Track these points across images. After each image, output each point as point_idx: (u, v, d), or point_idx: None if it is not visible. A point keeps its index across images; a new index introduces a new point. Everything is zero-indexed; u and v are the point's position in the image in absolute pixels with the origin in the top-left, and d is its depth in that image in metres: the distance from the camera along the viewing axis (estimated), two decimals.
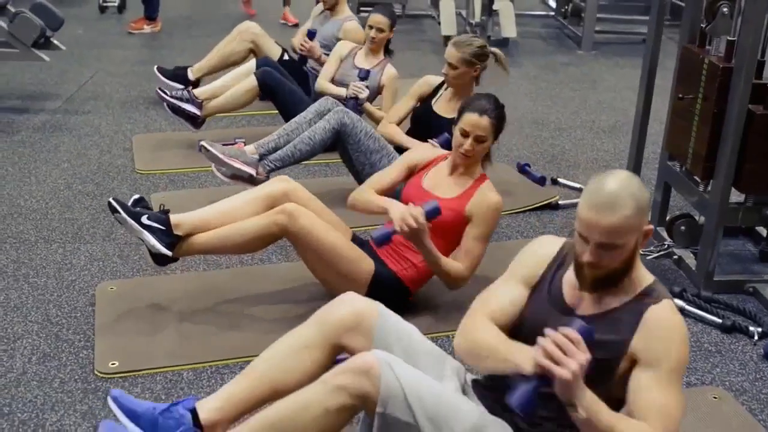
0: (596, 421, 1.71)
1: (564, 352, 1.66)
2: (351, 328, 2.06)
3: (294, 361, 2.07)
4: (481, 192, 2.86)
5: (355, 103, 4.07)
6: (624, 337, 1.83)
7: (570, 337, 1.68)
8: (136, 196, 2.90)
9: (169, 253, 2.79)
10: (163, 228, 2.78)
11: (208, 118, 4.50)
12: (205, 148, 3.58)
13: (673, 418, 1.78)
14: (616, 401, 1.82)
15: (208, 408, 2.05)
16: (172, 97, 4.35)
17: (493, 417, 1.94)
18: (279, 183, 2.95)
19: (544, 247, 2.03)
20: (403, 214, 2.66)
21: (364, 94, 4.11)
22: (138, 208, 2.82)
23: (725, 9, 3.07)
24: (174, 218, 2.81)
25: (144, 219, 2.77)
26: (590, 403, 1.71)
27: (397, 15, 4.40)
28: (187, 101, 4.38)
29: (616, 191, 1.76)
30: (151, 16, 7.01)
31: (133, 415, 2.05)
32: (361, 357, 1.89)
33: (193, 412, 2.04)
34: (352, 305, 2.10)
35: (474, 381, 2.09)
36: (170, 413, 2.05)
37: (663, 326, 1.82)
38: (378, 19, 4.25)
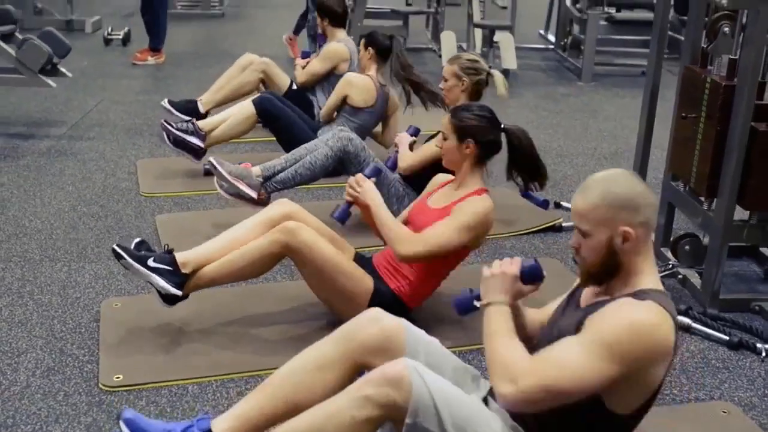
0: (489, 321, 1.90)
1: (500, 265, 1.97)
2: (379, 349, 2.03)
3: (315, 380, 2.04)
4: (473, 199, 2.83)
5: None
6: (584, 318, 1.82)
7: (512, 258, 1.99)
8: (138, 239, 2.86)
9: (179, 293, 2.76)
10: (171, 268, 2.75)
11: (209, 148, 4.53)
12: (212, 164, 3.60)
13: (556, 368, 1.73)
14: None
15: (223, 427, 2.01)
16: (177, 129, 4.35)
17: (516, 425, 1.93)
18: (279, 206, 2.94)
19: None
20: (348, 182, 2.84)
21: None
22: (142, 251, 2.79)
23: (726, 28, 3.12)
24: (180, 257, 2.78)
25: (150, 262, 2.74)
26: (495, 310, 1.92)
27: (392, 35, 4.46)
28: (192, 133, 4.39)
29: (593, 179, 1.86)
30: (155, 47, 7.08)
31: None
32: (391, 366, 1.85)
33: None
34: (379, 326, 2.06)
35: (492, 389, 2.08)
36: None
37: (619, 306, 1.78)
38: (361, 42, 4.44)
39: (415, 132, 3.87)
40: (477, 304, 2.04)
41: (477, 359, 2.80)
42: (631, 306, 1.77)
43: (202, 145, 4.41)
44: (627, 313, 1.75)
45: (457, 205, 2.82)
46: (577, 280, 2.03)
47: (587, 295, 1.97)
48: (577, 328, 1.83)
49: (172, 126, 4.38)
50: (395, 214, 3.41)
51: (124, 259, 2.73)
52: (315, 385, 2.02)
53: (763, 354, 2.90)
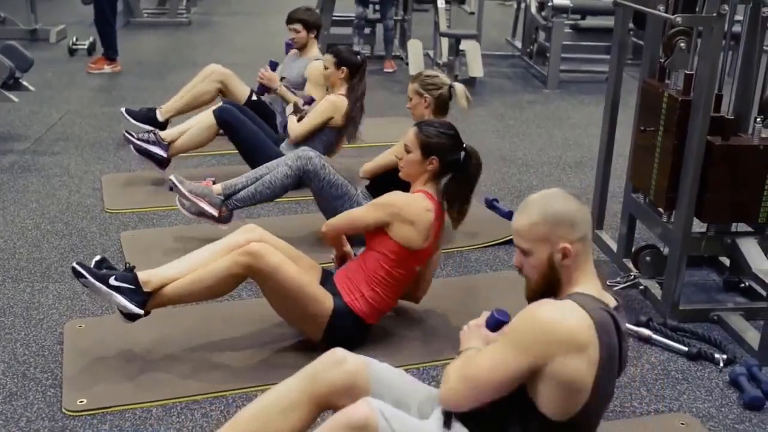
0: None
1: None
2: (344, 391, 2.05)
3: (280, 422, 2.05)
4: (406, 194, 2.96)
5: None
6: None
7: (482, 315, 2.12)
8: (98, 257, 2.84)
9: (141, 312, 2.74)
10: (133, 287, 2.74)
11: (174, 158, 4.52)
12: (174, 183, 3.60)
13: (474, 363, 1.90)
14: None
15: None
16: (138, 139, 4.38)
17: None
18: (245, 234, 2.93)
19: None
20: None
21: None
22: (103, 270, 2.78)
23: (682, 44, 3.17)
24: (142, 275, 2.76)
25: (112, 281, 2.72)
26: (464, 354, 2.02)
27: (366, 56, 4.44)
28: (154, 143, 4.41)
29: (531, 199, 1.97)
30: (111, 56, 7.05)
31: None
32: (356, 409, 1.87)
33: None
34: (343, 367, 2.08)
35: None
36: None
37: (529, 306, 1.90)
38: (326, 57, 4.35)
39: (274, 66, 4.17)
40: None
41: (439, 375, 2.82)
42: (543, 303, 1.89)
43: (164, 154, 4.42)
44: (535, 309, 1.87)
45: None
46: None
47: None
48: None
49: (133, 136, 4.39)
50: (338, 210, 3.51)
51: (85, 278, 2.70)
52: (281, 427, 2.04)
53: (721, 364, 2.96)
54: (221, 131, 4.53)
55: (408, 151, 2.93)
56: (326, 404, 2.07)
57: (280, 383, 2.13)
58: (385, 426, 1.83)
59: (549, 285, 1.94)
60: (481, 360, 1.90)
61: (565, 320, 1.82)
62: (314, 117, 4.34)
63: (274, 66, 4.69)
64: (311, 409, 2.06)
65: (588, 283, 1.95)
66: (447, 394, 1.94)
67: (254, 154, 4.19)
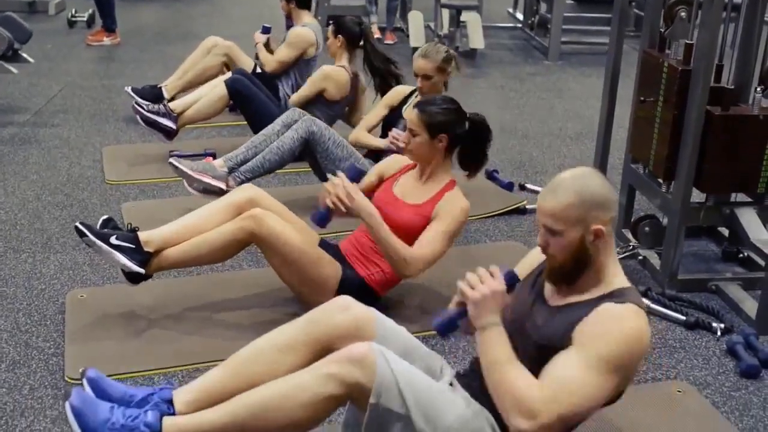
0: (489, 349, 1.85)
1: (482, 281, 1.90)
2: (349, 335, 2.03)
3: (280, 360, 2.04)
4: (449, 196, 2.88)
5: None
6: (570, 326, 1.85)
7: (490, 270, 1.91)
8: (105, 217, 2.88)
9: (142, 270, 2.78)
10: (133, 246, 2.77)
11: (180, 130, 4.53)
12: (174, 165, 3.60)
13: (570, 395, 1.74)
14: None
15: (185, 399, 2.03)
16: (149, 111, 4.37)
17: (479, 406, 1.97)
18: (243, 191, 2.96)
19: (535, 255, 2.11)
20: (330, 188, 2.66)
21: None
22: (106, 230, 2.81)
23: (683, 13, 3.16)
24: (143, 235, 2.80)
25: (113, 240, 2.76)
26: (493, 334, 1.87)
27: (361, 22, 4.42)
28: (164, 115, 4.41)
29: (563, 179, 1.88)
30: (109, 28, 7.01)
31: (107, 400, 2.02)
32: (357, 347, 1.88)
33: (170, 402, 2.02)
34: (350, 313, 2.07)
35: (458, 374, 2.13)
36: (146, 403, 2.01)
37: (608, 317, 1.81)
38: (328, 28, 4.38)
39: (266, 30, 4.22)
40: (459, 323, 2.01)
41: (441, 344, 2.85)
42: (619, 315, 1.81)
43: (174, 126, 4.42)
44: (618, 325, 1.80)
45: (438, 206, 2.85)
46: (538, 264, 2.06)
47: (552, 289, 1.98)
48: (563, 338, 1.84)
49: (143, 108, 4.39)
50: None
51: (87, 236, 2.74)
52: (278, 365, 2.03)
53: (719, 333, 2.98)
54: (228, 106, 4.55)
55: (414, 135, 2.87)
56: (328, 347, 2.03)
57: (282, 326, 2.12)
58: (384, 365, 1.84)
59: (577, 266, 1.89)
60: (579, 393, 1.75)
61: (645, 332, 1.82)
62: (308, 86, 4.37)
63: (266, 30, 4.79)
64: (311, 351, 2.04)
65: (618, 269, 1.93)
66: (536, 430, 1.75)
67: (264, 125, 4.17)
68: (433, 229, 2.82)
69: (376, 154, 3.79)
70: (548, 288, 2.01)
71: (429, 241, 2.80)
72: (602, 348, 1.77)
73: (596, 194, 1.85)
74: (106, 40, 7.00)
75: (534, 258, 2.12)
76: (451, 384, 2.07)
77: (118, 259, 2.75)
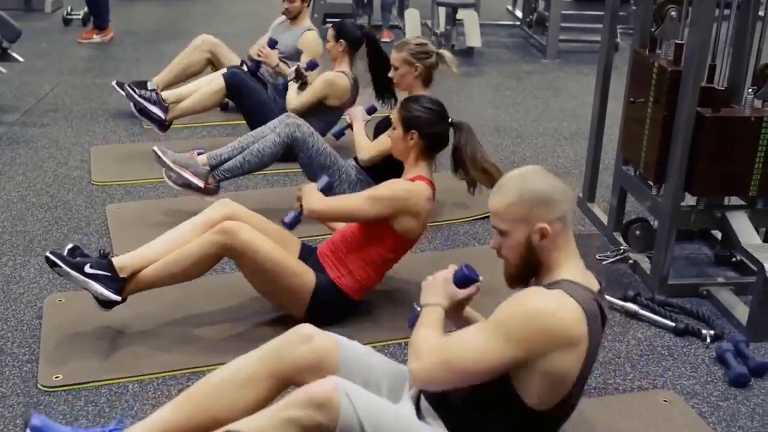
0: (421, 319, 1.98)
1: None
2: (311, 369, 1.98)
3: (236, 396, 1.99)
4: (400, 179, 2.87)
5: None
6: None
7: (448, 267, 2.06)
8: (70, 246, 2.79)
9: (118, 298, 2.71)
10: (108, 273, 2.70)
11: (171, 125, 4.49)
12: (157, 154, 3.55)
13: (454, 349, 1.83)
14: (500, 385, 1.84)
15: None
16: (140, 96, 4.33)
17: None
18: (220, 208, 2.88)
19: None
20: (299, 193, 2.86)
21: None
22: (77, 258, 2.73)
23: (673, 12, 3.09)
24: (117, 261, 2.73)
25: (87, 268, 2.68)
26: (428, 310, 1.98)
27: (363, 26, 4.35)
28: (154, 103, 4.38)
29: (507, 178, 1.90)
30: (100, 25, 6.97)
31: None
32: (319, 387, 1.80)
33: None
34: (311, 344, 2.02)
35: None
36: None
37: (518, 294, 1.84)
38: (328, 31, 4.28)
39: (372, 110, 3.82)
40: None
41: None
42: (534, 293, 1.82)
43: (163, 116, 4.38)
44: (527, 299, 1.81)
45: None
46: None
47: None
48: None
49: (135, 93, 4.34)
50: None
51: (59, 266, 2.66)
52: (237, 402, 1.98)
53: (708, 340, 2.91)
54: (220, 105, 4.51)
55: (393, 128, 2.88)
56: (290, 381, 2.01)
57: (241, 357, 2.07)
58: (348, 406, 1.77)
59: (528, 267, 1.89)
60: (464, 345, 1.82)
61: (559, 314, 1.76)
62: (309, 94, 4.28)
63: (273, 44, 4.57)
64: (272, 385, 2.00)
65: (571, 266, 1.89)
66: (420, 373, 1.86)
67: (260, 120, 4.10)
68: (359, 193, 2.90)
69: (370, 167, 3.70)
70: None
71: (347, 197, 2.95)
72: (500, 314, 1.82)
73: (538, 192, 1.84)
74: (96, 38, 6.97)
75: None
76: (419, 398, 2.01)
77: (94, 288, 2.67)
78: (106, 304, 2.74)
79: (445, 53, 3.61)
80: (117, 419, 2.28)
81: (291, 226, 2.86)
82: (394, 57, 3.59)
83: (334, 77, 4.27)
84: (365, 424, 1.78)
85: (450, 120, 2.87)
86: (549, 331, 1.75)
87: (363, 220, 2.83)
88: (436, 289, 2.02)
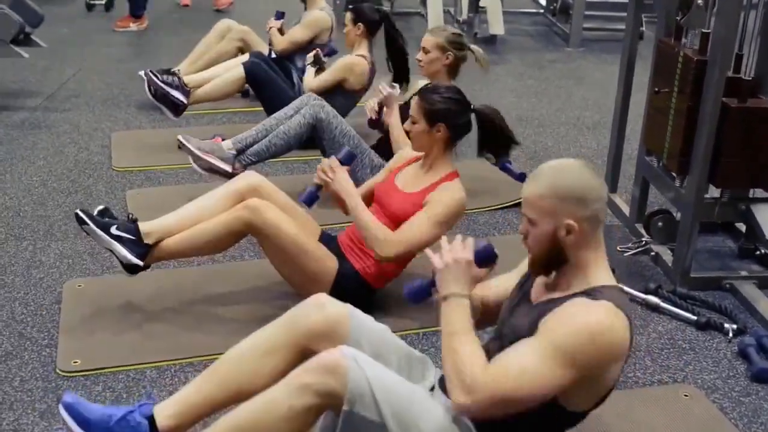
0: (447, 319, 1.83)
1: (451, 250, 1.89)
2: (323, 335, 2.00)
3: (260, 366, 2.02)
4: (445, 186, 2.79)
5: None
6: (538, 320, 1.78)
7: (463, 240, 1.90)
8: (101, 207, 2.83)
9: (140, 263, 2.74)
10: (134, 237, 2.73)
11: (188, 115, 4.49)
12: (182, 142, 3.56)
13: (509, 378, 1.69)
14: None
15: (166, 414, 2.00)
16: (161, 81, 4.33)
17: (459, 417, 1.90)
18: (245, 178, 2.91)
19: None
20: (320, 167, 2.74)
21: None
22: (106, 219, 2.77)
23: (700, 1, 3.03)
24: (143, 226, 2.76)
25: (113, 230, 2.71)
26: (454, 304, 1.84)
27: (385, 12, 4.32)
28: (177, 88, 4.38)
29: (543, 168, 1.84)
30: (136, 13, 6.97)
31: (85, 424, 1.98)
32: (328, 354, 1.83)
33: (151, 419, 1.99)
34: (323, 312, 2.04)
35: (442, 377, 2.06)
36: (126, 422, 1.98)
37: (573, 309, 1.73)
38: (346, 15, 4.26)
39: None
40: (432, 290, 1.98)
41: (438, 341, 2.77)
42: (586, 308, 1.74)
43: (185, 100, 4.38)
44: (582, 316, 1.72)
45: (431, 195, 2.78)
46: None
47: (538, 288, 1.93)
48: (530, 330, 1.78)
49: (156, 77, 4.34)
50: None
51: (87, 224, 2.70)
52: (260, 370, 2.01)
53: (730, 334, 2.87)
54: (240, 91, 4.51)
55: (414, 122, 2.81)
56: (305, 348, 2.01)
57: (261, 329, 2.09)
58: (356, 370, 1.78)
59: (550, 259, 1.84)
60: (522, 375, 1.69)
61: (616, 329, 1.71)
62: (327, 74, 4.28)
63: (279, 16, 4.71)
64: (291, 352, 2.01)
65: (603, 268, 1.84)
66: (470, 407, 1.72)
67: (279, 109, 4.09)
68: (419, 214, 2.74)
69: (382, 149, 3.70)
70: (535, 287, 1.94)
71: (410, 225, 2.73)
72: (556, 336, 1.70)
73: (570, 188, 1.77)
74: (133, 26, 6.96)
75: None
76: (432, 388, 2.00)
77: (118, 250, 2.71)
78: (130, 269, 2.77)
79: (477, 49, 3.59)
80: (147, 394, 2.33)
81: (308, 203, 2.79)
82: (427, 40, 3.56)
83: (354, 60, 4.25)
84: (376, 392, 1.78)
85: (472, 106, 2.84)
86: (608, 349, 1.71)
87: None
88: (459, 274, 1.86)
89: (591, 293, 1.78)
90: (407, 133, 2.90)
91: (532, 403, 1.72)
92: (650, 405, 2.50)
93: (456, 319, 1.83)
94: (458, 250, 1.89)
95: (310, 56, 4.33)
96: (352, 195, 2.75)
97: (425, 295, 2.04)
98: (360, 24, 4.20)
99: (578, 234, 1.79)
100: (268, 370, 2.01)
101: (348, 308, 2.07)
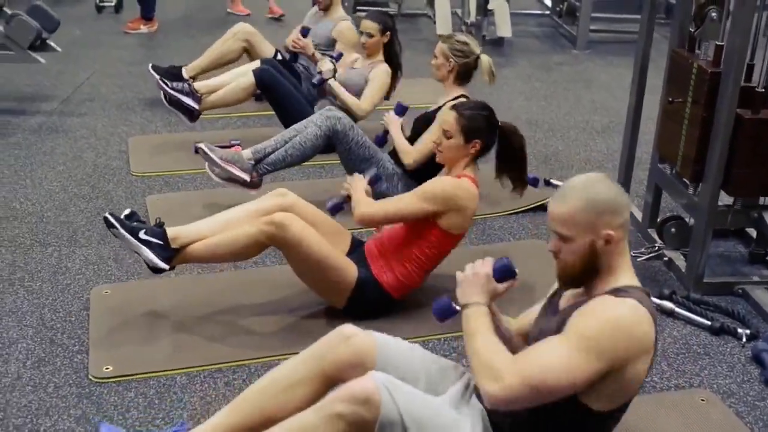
0: (469, 323, 1.93)
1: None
2: (350, 366, 2.06)
3: (288, 396, 2.08)
4: (445, 176, 2.94)
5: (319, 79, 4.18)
6: (566, 318, 1.87)
7: (483, 259, 2.01)
8: (128, 211, 2.90)
9: (166, 267, 2.81)
10: (161, 242, 2.80)
11: (203, 119, 4.54)
12: (203, 150, 3.61)
13: (537, 364, 1.77)
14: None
15: None
16: (173, 89, 4.38)
17: (488, 427, 1.98)
18: (275, 198, 2.96)
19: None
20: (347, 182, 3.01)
21: (326, 67, 4.19)
22: (134, 223, 2.83)
23: (714, 13, 3.09)
24: (171, 231, 2.83)
25: (142, 234, 2.78)
26: (474, 310, 1.95)
27: (392, 14, 4.38)
28: (187, 94, 4.42)
29: (573, 185, 1.89)
30: (147, 16, 7.01)
31: None
32: (361, 383, 1.89)
33: None
34: (349, 344, 2.09)
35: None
36: None
37: (600, 304, 1.83)
38: (367, 24, 4.23)
39: (403, 111, 3.83)
40: (456, 307, 2.06)
41: (460, 346, 2.84)
42: (613, 303, 1.83)
43: (196, 106, 4.43)
44: (609, 310, 1.81)
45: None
46: (556, 285, 2.06)
47: (566, 299, 2.01)
48: (557, 329, 1.87)
49: (167, 84, 4.39)
50: (384, 194, 3.44)
51: (116, 228, 2.77)
52: (288, 401, 2.07)
53: (744, 339, 2.94)
54: (255, 95, 4.55)
55: (448, 137, 2.88)
56: (333, 379, 2.08)
57: (289, 360, 2.16)
58: (388, 400, 1.84)
59: (587, 270, 1.90)
60: (549, 363, 1.77)
61: (641, 324, 1.80)
62: (378, 89, 4.21)
63: (306, 32, 4.58)
64: (318, 384, 2.08)
65: (628, 269, 1.93)
66: (501, 395, 1.78)
67: (292, 116, 4.14)
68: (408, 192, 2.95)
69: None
70: (563, 299, 2.02)
71: (398, 197, 3.00)
72: (583, 328, 1.80)
73: (606, 200, 1.86)
74: (143, 28, 7.00)
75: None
76: (465, 388, 2.06)
77: (146, 254, 2.78)
78: (156, 270, 2.83)
79: (484, 59, 3.61)
80: (180, 423, 2.40)
81: (333, 212, 2.99)
82: (438, 46, 3.64)
83: (388, 69, 4.27)
84: (405, 417, 1.85)
85: (500, 124, 2.94)
86: (633, 341, 1.79)
87: (413, 219, 2.88)
88: (478, 285, 1.98)
89: (616, 292, 1.86)
90: (437, 146, 2.94)
91: (562, 391, 1.79)
92: (668, 409, 2.57)
93: (477, 322, 1.93)
94: (478, 265, 2.01)
95: (328, 71, 4.30)
96: (361, 202, 2.93)
97: (451, 313, 2.10)
98: (388, 32, 4.24)
99: (615, 242, 1.87)
100: (296, 400, 2.07)
101: (374, 337, 2.13)
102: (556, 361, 1.78)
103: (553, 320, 1.96)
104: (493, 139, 2.93)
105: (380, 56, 4.30)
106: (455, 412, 1.98)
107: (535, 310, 2.18)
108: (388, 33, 4.23)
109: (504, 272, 2.03)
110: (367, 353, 2.08)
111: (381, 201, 2.94)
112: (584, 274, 1.92)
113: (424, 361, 2.14)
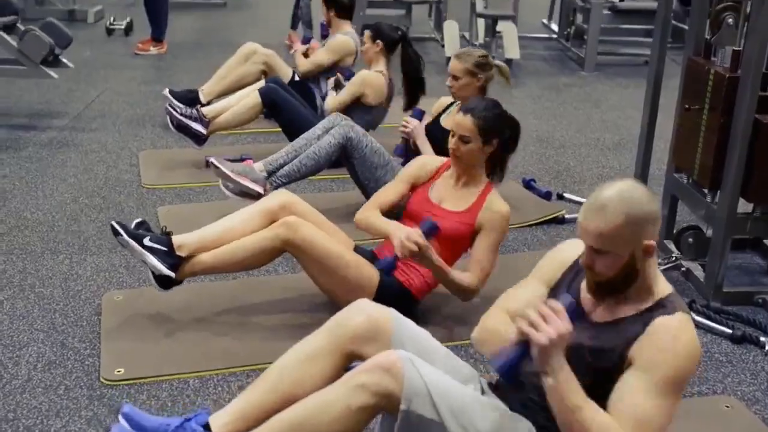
0: (564, 395, 1.73)
1: (545, 320, 1.72)
2: (367, 338, 2.03)
3: (307, 371, 2.05)
4: (490, 202, 2.85)
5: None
6: (625, 345, 1.79)
7: (553, 307, 1.74)
8: (138, 220, 2.89)
9: (172, 274, 2.77)
10: (166, 249, 2.77)
11: (213, 136, 4.52)
12: (214, 164, 3.59)
13: (648, 428, 1.72)
14: None
15: (221, 423, 2.02)
16: (182, 114, 4.37)
17: (517, 415, 1.93)
18: (277, 196, 2.94)
19: (566, 251, 2.05)
20: (401, 240, 2.63)
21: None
22: (141, 231, 2.82)
23: (730, 19, 3.09)
24: (176, 239, 2.80)
25: (146, 241, 2.76)
26: (564, 377, 1.73)
27: (404, 32, 4.39)
28: (196, 120, 4.41)
29: (609, 198, 1.76)
30: (158, 37, 7.06)
31: None
32: (384, 355, 1.87)
33: (206, 427, 2.01)
34: (366, 314, 2.07)
35: (490, 384, 2.08)
36: (183, 429, 2.01)
37: (667, 335, 1.76)
38: (365, 34, 4.36)
39: (421, 115, 3.80)
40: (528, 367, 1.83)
41: (476, 353, 2.79)
42: (675, 329, 1.77)
43: (204, 131, 4.42)
44: (679, 341, 1.76)
45: (481, 216, 2.84)
46: (558, 276, 2.02)
47: (598, 309, 1.90)
48: (620, 360, 1.79)
49: (176, 111, 4.39)
50: (381, 180, 3.55)
51: (121, 235, 2.75)
52: (308, 376, 2.03)
53: (767, 347, 2.89)
54: (264, 112, 4.55)
55: (466, 141, 2.83)
56: (350, 353, 2.04)
57: (307, 336, 2.13)
58: (412, 370, 1.81)
59: (625, 281, 1.83)
60: (655, 422, 1.73)
61: (697, 339, 1.80)
62: (345, 92, 4.35)
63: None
64: (336, 357, 2.05)
65: (660, 275, 1.88)
66: None
67: (299, 133, 4.15)
68: (481, 246, 2.84)
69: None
70: (589, 304, 1.92)
71: (480, 261, 2.84)
72: (669, 371, 1.74)
73: (648, 211, 1.77)
74: (153, 50, 7.05)
75: (555, 263, 2.05)
76: (482, 392, 2.02)
77: (150, 261, 2.75)
78: (164, 282, 2.80)
79: (503, 65, 3.65)
80: (202, 407, 2.36)
81: (387, 271, 2.78)
82: (455, 66, 3.58)
83: (369, 75, 4.34)
84: (432, 391, 1.81)
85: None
86: (698, 359, 1.81)
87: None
88: (562, 346, 1.74)
89: (664, 306, 1.81)
90: (453, 151, 2.88)
91: None
92: (693, 416, 2.50)
93: (571, 392, 1.74)
94: (558, 323, 1.73)
95: (331, 81, 4.43)
96: (443, 267, 2.75)
97: (518, 372, 1.83)
98: (379, 41, 4.30)
99: (654, 251, 1.81)
100: (315, 374, 2.03)
101: (389, 311, 2.10)
102: (665, 420, 1.75)
103: (591, 334, 1.85)
104: (510, 136, 2.97)
105: (381, 65, 4.32)
106: (480, 394, 1.95)
107: (527, 292, 2.05)
108: (380, 42, 4.28)
109: (574, 316, 1.82)
110: (384, 325, 2.04)
111: (476, 276, 2.84)
112: (621, 285, 1.84)
113: (439, 348, 2.10)
